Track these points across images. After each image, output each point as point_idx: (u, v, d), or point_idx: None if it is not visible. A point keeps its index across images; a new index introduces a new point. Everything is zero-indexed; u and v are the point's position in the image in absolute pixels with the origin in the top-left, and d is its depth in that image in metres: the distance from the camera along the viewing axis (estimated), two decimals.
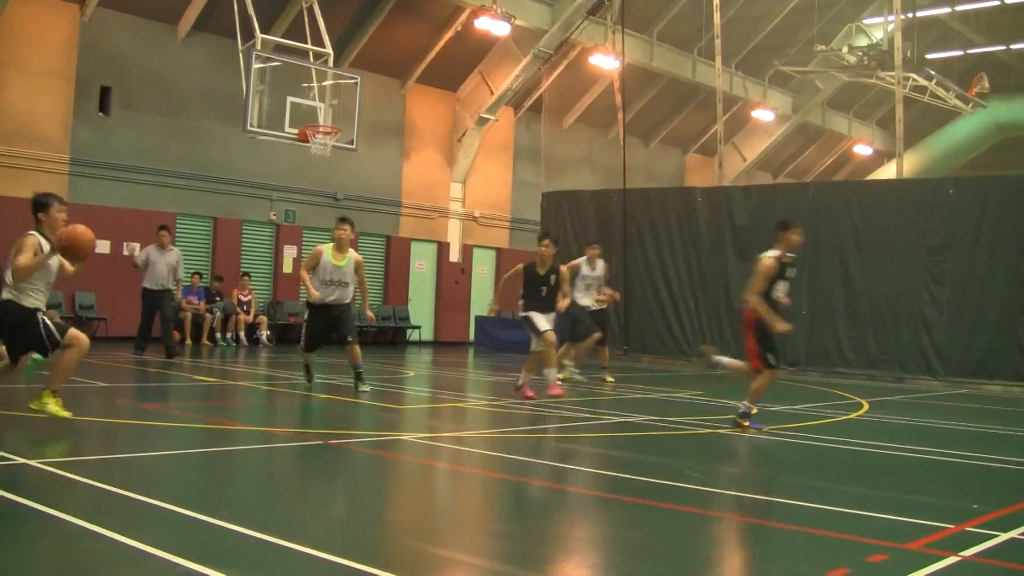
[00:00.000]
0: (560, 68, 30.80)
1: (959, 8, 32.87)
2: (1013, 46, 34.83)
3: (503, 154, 31.75)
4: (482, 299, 30.82)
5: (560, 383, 13.94)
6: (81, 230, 8.91)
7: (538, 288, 13.60)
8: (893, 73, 31.51)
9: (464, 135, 29.61)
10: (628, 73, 30.13)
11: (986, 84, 36.37)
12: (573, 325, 17.02)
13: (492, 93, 28.98)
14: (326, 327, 13.59)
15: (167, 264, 18.12)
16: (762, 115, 36.90)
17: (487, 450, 9.40)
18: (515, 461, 8.69)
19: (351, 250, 13.56)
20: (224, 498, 6.73)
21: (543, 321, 13.64)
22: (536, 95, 31.54)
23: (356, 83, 20.92)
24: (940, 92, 35.13)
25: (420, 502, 7.18)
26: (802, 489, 7.86)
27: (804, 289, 21.25)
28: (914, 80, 33.11)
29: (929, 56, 34.54)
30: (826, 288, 21.48)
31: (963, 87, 36.32)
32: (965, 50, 35.81)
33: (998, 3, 31.92)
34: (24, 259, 8.64)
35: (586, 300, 17.17)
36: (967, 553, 5.78)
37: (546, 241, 13.79)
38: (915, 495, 7.71)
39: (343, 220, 13.63)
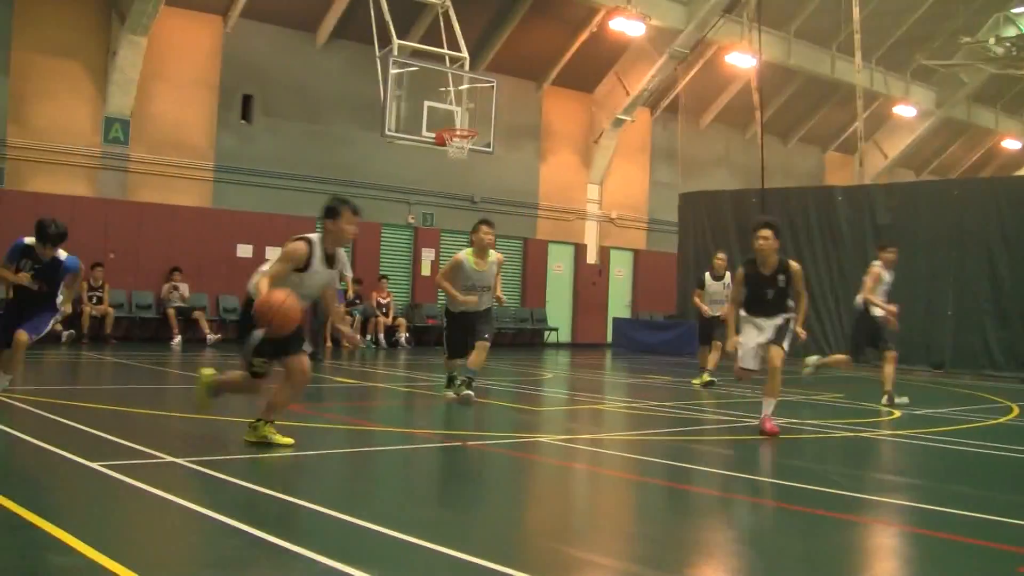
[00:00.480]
0: (696, 67, 30.53)
1: None
2: None
3: (640, 155, 31.61)
4: (620, 300, 30.73)
5: (774, 419, 10.46)
6: (283, 308, 7.61)
7: (762, 291, 10.66)
8: None
9: (600, 136, 29.56)
10: (765, 71, 29.71)
11: None
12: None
13: (628, 94, 28.89)
14: (466, 331, 12.33)
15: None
16: (904, 111, 36.05)
17: (625, 452, 9.35)
18: (653, 464, 8.62)
19: (492, 251, 12.36)
20: (364, 498, 6.81)
21: (749, 340, 10.72)
22: (672, 95, 31.32)
23: (492, 86, 21.03)
24: None
25: (557, 504, 7.17)
26: (949, 495, 7.64)
27: (950, 289, 20.74)
28: None
29: None
30: (973, 288, 20.90)
31: None
32: None
33: None
34: (273, 270, 7.90)
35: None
36: None
37: (765, 232, 10.65)
38: None
39: (485, 223, 12.33)
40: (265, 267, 8.15)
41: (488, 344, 12.33)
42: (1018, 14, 33.28)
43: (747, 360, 10.79)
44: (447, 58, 20.95)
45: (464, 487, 7.57)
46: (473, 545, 5.42)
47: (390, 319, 24.37)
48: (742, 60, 29.30)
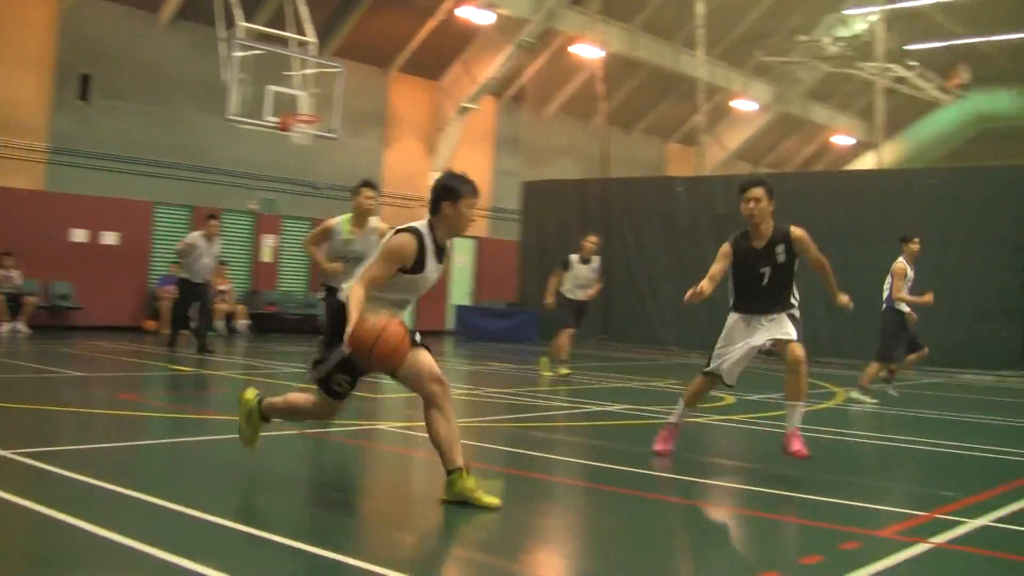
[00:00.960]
0: (543, 57, 30.76)
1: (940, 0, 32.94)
2: (994, 38, 34.95)
3: (484, 143, 31.73)
4: (462, 288, 30.79)
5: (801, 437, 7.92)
6: (386, 337, 6.05)
7: (754, 270, 8.06)
8: (874, 64, 31.70)
9: (445, 124, 29.57)
10: (611, 62, 30.15)
11: (967, 75, 36.51)
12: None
13: (474, 82, 28.95)
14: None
15: (212, 256, 17.26)
16: (743, 105, 36.95)
17: (464, 439, 9.37)
18: (491, 450, 8.70)
19: (374, 219, 10.83)
20: (200, 488, 6.69)
21: (725, 344, 8.23)
22: (519, 84, 31.51)
23: (339, 72, 20.88)
24: (920, 83, 35.26)
25: (396, 491, 7.19)
26: (776, 477, 7.90)
27: None
28: (894, 71, 33.20)
29: (911, 47, 34.63)
30: (809, 278, 21.52)
31: (944, 78, 36.47)
32: (947, 41, 35.88)
33: None
34: (371, 272, 6.26)
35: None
36: (938, 539, 5.84)
37: (756, 191, 7.98)
38: (888, 483, 7.75)
39: (368, 185, 10.83)
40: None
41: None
42: (850, 15, 34.43)
43: (728, 372, 8.22)
44: (293, 42, 20.70)
45: (303, 476, 7.53)
46: (312, 535, 5.42)
47: (229, 306, 23.97)
48: (588, 51, 29.65)
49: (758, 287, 8.02)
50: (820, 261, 8.17)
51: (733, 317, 8.20)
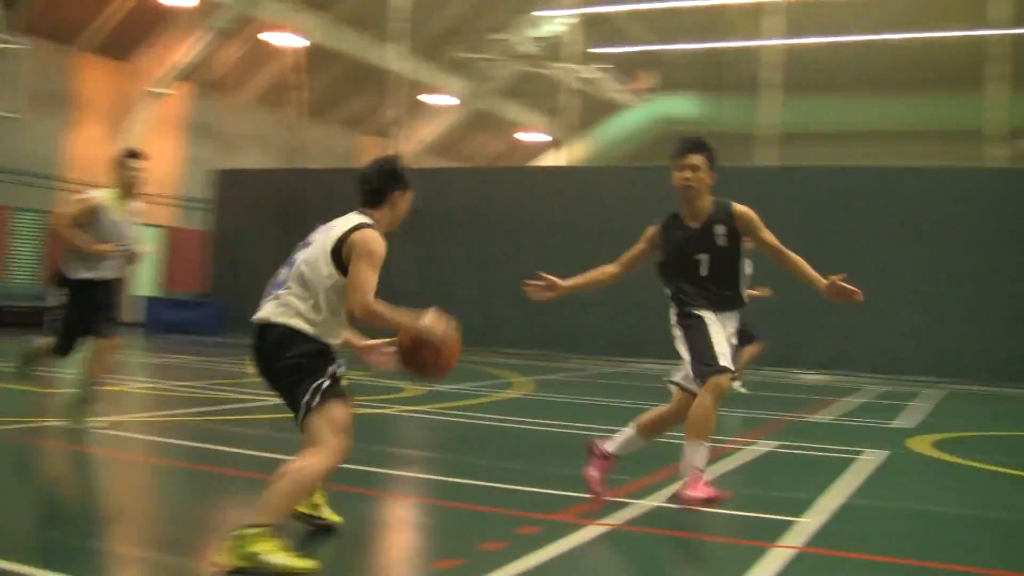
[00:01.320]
0: (239, 44, 30.16)
1: (630, 7, 34.29)
2: (678, 46, 36.67)
3: (175, 130, 30.76)
4: (147, 278, 29.83)
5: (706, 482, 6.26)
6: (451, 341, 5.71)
7: (689, 256, 6.53)
8: (563, 64, 32.74)
9: (134, 109, 28.54)
10: (308, 52, 29.89)
11: (651, 80, 38.26)
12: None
13: (167, 66, 28.08)
14: (92, 310, 9.04)
15: None
16: (437, 100, 37.39)
17: (145, 434, 9.12)
18: (173, 445, 8.48)
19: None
20: None
21: (721, 339, 6.36)
22: (213, 70, 30.75)
23: (22, 49, 19.86)
24: (607, 85, 36.67)
25: (72, 492, 6.89)
26: (458, 466, 8.05)
27: (473, 272, 21.72)
28: (583, 72, 34.38)
29: (599, 50, 35.87)
30: (492, 271, 21.95)
31: (630, 82, 38.08)
32: (634, 47, 37.38)
33: (666, 5, 33.56)
34: (372, 283, 5.23)
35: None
36: (614, 521, 6.09)
37: (694, 158, 6.47)
38: (564, 468, 7.97)
39: (133, 155, 9.08)
40: (327, 276, 5.32)
41: (115, 344, 9.44)
42: (542, 17, 35.45)
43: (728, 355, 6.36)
44: None
45: None
46: None
47: None
48: (285, 39, 29.30)
49: (695, 278, 6.47)
50: (775, 246, 6.47)
51: (703, 312, 6.45)
